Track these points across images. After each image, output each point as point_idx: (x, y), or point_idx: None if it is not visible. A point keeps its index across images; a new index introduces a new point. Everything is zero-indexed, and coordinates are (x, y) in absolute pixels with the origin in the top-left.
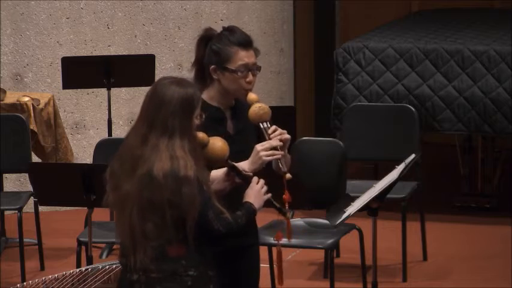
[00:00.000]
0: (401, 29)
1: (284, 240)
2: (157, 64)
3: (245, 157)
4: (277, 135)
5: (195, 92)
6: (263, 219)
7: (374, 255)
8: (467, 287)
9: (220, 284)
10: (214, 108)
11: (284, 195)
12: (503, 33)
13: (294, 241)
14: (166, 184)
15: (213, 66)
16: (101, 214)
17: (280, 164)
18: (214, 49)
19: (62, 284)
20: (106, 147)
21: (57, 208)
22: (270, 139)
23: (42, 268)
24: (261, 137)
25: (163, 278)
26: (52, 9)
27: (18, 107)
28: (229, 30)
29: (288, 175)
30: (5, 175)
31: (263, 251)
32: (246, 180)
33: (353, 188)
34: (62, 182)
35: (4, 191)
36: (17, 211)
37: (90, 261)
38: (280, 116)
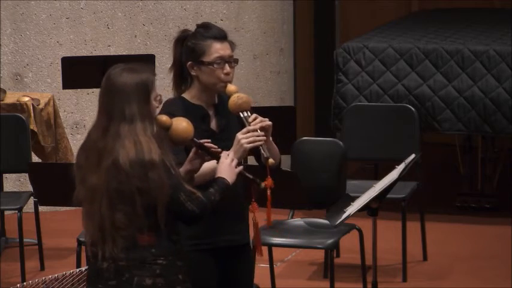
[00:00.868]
0: (401, 29)
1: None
2: (157, 64)
3: None
4: (258, 123)
5: (148, 76)
6: (263, 218)
7: (374, 255)
8: (467, 287)
9: (211, 283)
10: (197, 106)
11: (266, 182)
12: (503, 33)
13: (294, 241)
14: (133, 172)
15: (189, 63)
16: None
17: (262, 150)
18: (189, 45)
19: (62, 284)
20: None
21: (57, 208)
22: (250, 127)
23: (42, 268)
24: (242, 127)
25: (132, 266)
26: (52, 9)
27: (18, 107)
28: (204, 26)
29: (271, 160)
30: (5, 175)
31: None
32: (215, 157)
33: (353, 188)
34: (62, 182)
35: (4, 191)
36: (17, 211)
37: None
38: (280, 116)
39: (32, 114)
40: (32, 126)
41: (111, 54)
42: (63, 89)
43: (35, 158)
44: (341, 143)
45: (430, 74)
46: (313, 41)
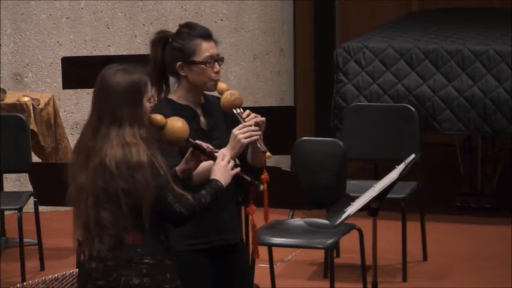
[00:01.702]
0: (401, 29)
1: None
2: None
3: None
4: (252, 119)
5: (141, 77)
6: (259, 219)
7: (374, 255)
8: (467, 287)
9: (207, 283)
10: (185, 106)
11: (262, 175)
12: (503, 33)
13: (294, 241)
14: (120, 173)
15: (179, 63)
16: None
17: (258, 144)
18: (176, 46)
19: (62, 284)
20: None
21: (57, 208)
22: (245, 123)
23: (42, 268)
24: (235, 123)
25: (119, 266)
26: (52, 9)
27: (18, 107)
28: (187, 26)
29: (268, 154)
30: (5, 175)
31: (263, 251)
32: (211, 158)
33: (353, 188)
34: (62, 182)
35: (4, 191)
36: (17, 211)
37: None
38: (280, 116)
39: (32, 114)
40: (32, 126)
41: (111, 54)
42: (63, 89)
43: (35, 158)
44: (341, 143)
45: (430, 74)
46: (313, 41)
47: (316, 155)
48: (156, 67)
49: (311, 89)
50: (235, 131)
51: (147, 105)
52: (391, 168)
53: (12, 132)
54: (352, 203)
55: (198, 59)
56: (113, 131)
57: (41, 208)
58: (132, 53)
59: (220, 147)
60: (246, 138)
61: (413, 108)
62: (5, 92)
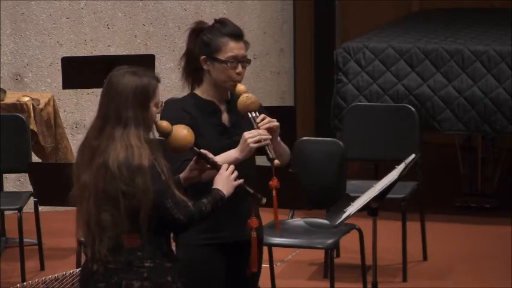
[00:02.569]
0: (401, 29)
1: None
2: (157, 64)
3: None
4: (266, 123)
5: (150, 81)
6: (263, 219)
7: (374, 255)
8: (467, 287)
9: (217, 277)
10: (208, 102)
11: (271, 181)
12: (503, 33)
13: (294, 241)
14: (120, 175)
15: (203, 57)
16: None
17: (268, 150)
18: (205, 40)
19: (62, 284)
20: None
21: (57, 208)
22: (258, 128)
23: (42, 268)
24: (252, 126)
25: (119, 269)
26: (52, 9)
27: (18, 107)
28: (221, 22)
29: (276, 161)
30: (5, 175)
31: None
32: (215, 167)
33: (353, 188)
34: (62, 182)
35: (4, 191)
36: (17, 211)
37: None
38: (280, 116)
39: (32, 114)
40: (32, 126)
41: (111, 54)
42: (63, 89)
43: (35, 158)
44: (341, 143)
45: (430, 74)
46: (313, 41)
47: (316, 155)
48: (188, 57)
49: (311, 89)
50: (246, 134)
51: (154, 110)
52: (391, 168)
53: (12, 132)
54: (352, 203)
55: (221, 57)
56: (117, 131)
57: (41, 208)
58: (132, 53)
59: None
60: (255, 142)
61: (413, 108)
62: (5, 92)
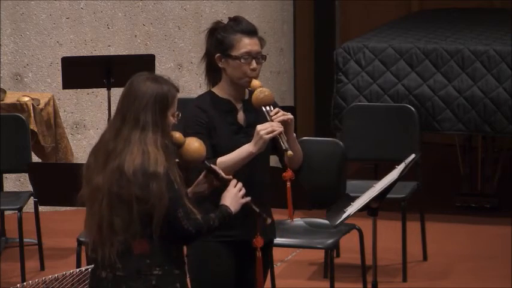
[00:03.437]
0: (401, 29)
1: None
2: (157, 64)
3: None
4: (280, 116)
5: (170, 89)
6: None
7: (374, 255)
8: (467, 287)
9: (226, 275)
10: (225, 100)
11: (285, 173)
12: (503, 33)
13: (294, 241)
14: (135, 180)
15: (218, 55)
16: None
17: (281, 141)
18: (219, 38)
19: (62, 284)
20: None
21: (57, 208)
22: (272, 121)
23: (42, 268)
24: (266, 121)
25: (128, 277)
26: (52, 9)
27: (18, 107)
28: (235, 19)
29: (290, 152)
30: (5, 175)
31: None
32: (224, 183)
33: (353, 188)
34: (62, 182)
35: (4, 191)
36: (17, 211)
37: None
38: None
39: (32, 114)
40: (32, 126)
41: (111, 54)
42: (63, 89)
43: (35, 158)
44: (341, 143)
45: (430, 74)
46: (313, 41)
47: (316, 155)
48: (207, 58)
49: (311, 89)
50: (259, 127)
51: (171, 119)
52: (391, 168)
53: (12, 132)
54: (352, 203)
55: (234, 53)
56: (135, 134)
57: (41, 208)
58: (132, 53)
59: None
60: (267, 133)
61: (413, 108)
62: (5, 92)
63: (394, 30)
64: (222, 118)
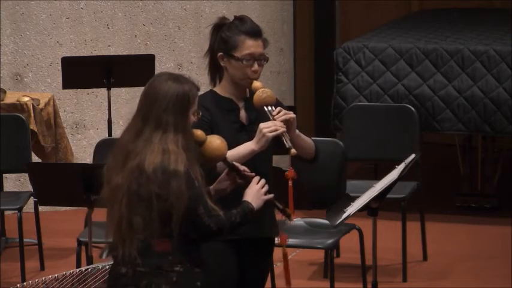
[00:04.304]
0: (401, 29)
1: (288, 241)
2: (157, 64)
3: None
4: (282, 116)
5: (191, 88)
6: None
7: (374, 255)
8: (467, 287)
9: (228, 272)
10: (227, 99)
11: (287, 172)
12: (503, 33)
13: (294, 241)
14: (155, 178)
15: (220, 53)
16: (101, 214)
17: (284, 139)
18: (223, 36)
19: (62, 284)
20: (106, 147)
21: (57, 208)
22: (274, 120)
23: (42, 268)
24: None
25: (149, 273)
26: (52, 9)
27: (18, 107)
28: (240, 19)
29: (293, 150)
30: (5, 175)
31: None
32: (246, 180)
33: (353, 188)
34: (62, 182)
35: (4, 191)
36: (17, 211)
37: (90, 261)
38: None
39: (32, 114)
40: (32, 126)
41: (111, 54)
42: (63, 89)
43: (35, 158)
44: (341, 143)
45: (430, 74)
46: (313, 41)
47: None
48: (210, 53)
49: (311, 89)
50: (262, 125)
51: (192, 118)
52: (391, 168)
53: (12, 132)
54: (352, 203)
55: (237, 54)
56: (156, 135)
57: (41, 208)
58: (132, 53)
59: None
60: (270, 132)
61: (413, 108)
62: (5, 92)
63: (394, 30)
64: (224, 116)
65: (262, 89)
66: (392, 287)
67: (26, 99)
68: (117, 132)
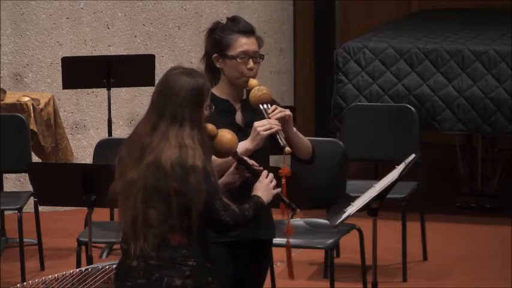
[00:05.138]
0: (401, 29)
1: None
2: (157, 64)
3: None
4: (277, 114)
5: (205, 82)
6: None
7: (374, 255)
8: (467, 287)
9: (229, 275)
10: (224, 101)
11: (281, 169)
12: (503, 33)
13: (294, 241)
14: (173, 173)
15: (215, 55)
16: (101, 214)
17: (278, 138)
18: (217, 38)
19: (62, 284)
20: (106, 147)
21: (57, 208)
22: (269, 118)
23: (42, 268)
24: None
25: (162, 266)
26: (52, 9)
27: (18, 107)
28: (232, 19)
29: (287, 149)
30: (5, 175)
31: None
32: (255, 174)
33: (353, 188)
34: (62, 182)
35: (4, 191)
36: (17, 211)
37: (90, 261)
38: None
39: (32, 114)
40: (32, 126)
41: (111, 54)
42: (63, 89)
43: (35, 158)
44: (341, 143)
45: (430, 74)
46: (313, 41)
47: (316, 155)
48: (206, 56)
49: (311, 89)
50: (256, 123)
51: (205, 112)
52: (391, 168)
53: (12, 132)
54: (352, 203)
55: (231, 53)
56: (172, 130)
57: (41, 208)
58: (132, 53)
59: None
60: (265, 130)
61: (413, 108)
62: (5, 92)
63: (394, 30)
64: (221, 118)
65: (258, 87)
66: (392, 287)
67: (26, 99)
68: (117, 132)
